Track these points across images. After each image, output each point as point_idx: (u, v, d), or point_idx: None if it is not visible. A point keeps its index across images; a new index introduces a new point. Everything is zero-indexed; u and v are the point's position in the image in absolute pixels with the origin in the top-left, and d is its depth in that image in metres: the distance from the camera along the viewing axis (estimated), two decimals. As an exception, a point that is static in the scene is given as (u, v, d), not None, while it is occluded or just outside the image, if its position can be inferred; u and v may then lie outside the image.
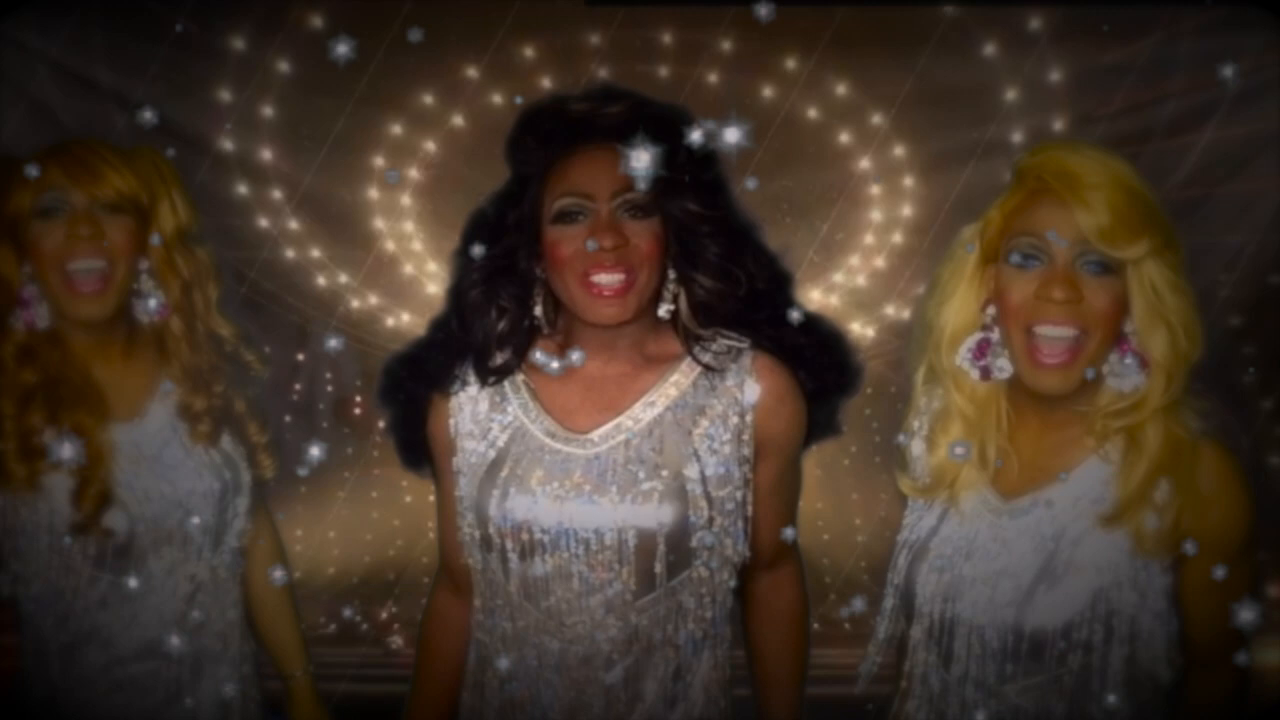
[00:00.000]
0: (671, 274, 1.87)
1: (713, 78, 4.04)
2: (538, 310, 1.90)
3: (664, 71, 4.05)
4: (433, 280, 4.34)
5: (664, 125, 1.77)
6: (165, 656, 2.05)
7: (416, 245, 4.35)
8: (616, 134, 1.78)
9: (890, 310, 4.34)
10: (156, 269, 2.02)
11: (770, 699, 2.04)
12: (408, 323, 4.38)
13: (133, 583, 1.99)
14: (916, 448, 1.84)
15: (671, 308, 1.89)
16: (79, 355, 2.00)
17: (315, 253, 4.21)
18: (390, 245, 4.27)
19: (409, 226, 4.29)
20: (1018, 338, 1.67)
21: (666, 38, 4.05)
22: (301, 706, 2.24)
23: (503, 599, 1.90)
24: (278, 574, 2.16)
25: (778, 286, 1.93)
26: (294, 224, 4.10)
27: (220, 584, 2.11)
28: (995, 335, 1.73)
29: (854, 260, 4.39)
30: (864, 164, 4.13)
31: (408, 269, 4.39)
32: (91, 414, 1.98)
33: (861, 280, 4.41)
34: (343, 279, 4.26)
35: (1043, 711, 1.68)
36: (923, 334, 1.79)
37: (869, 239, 4.37)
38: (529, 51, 4.01)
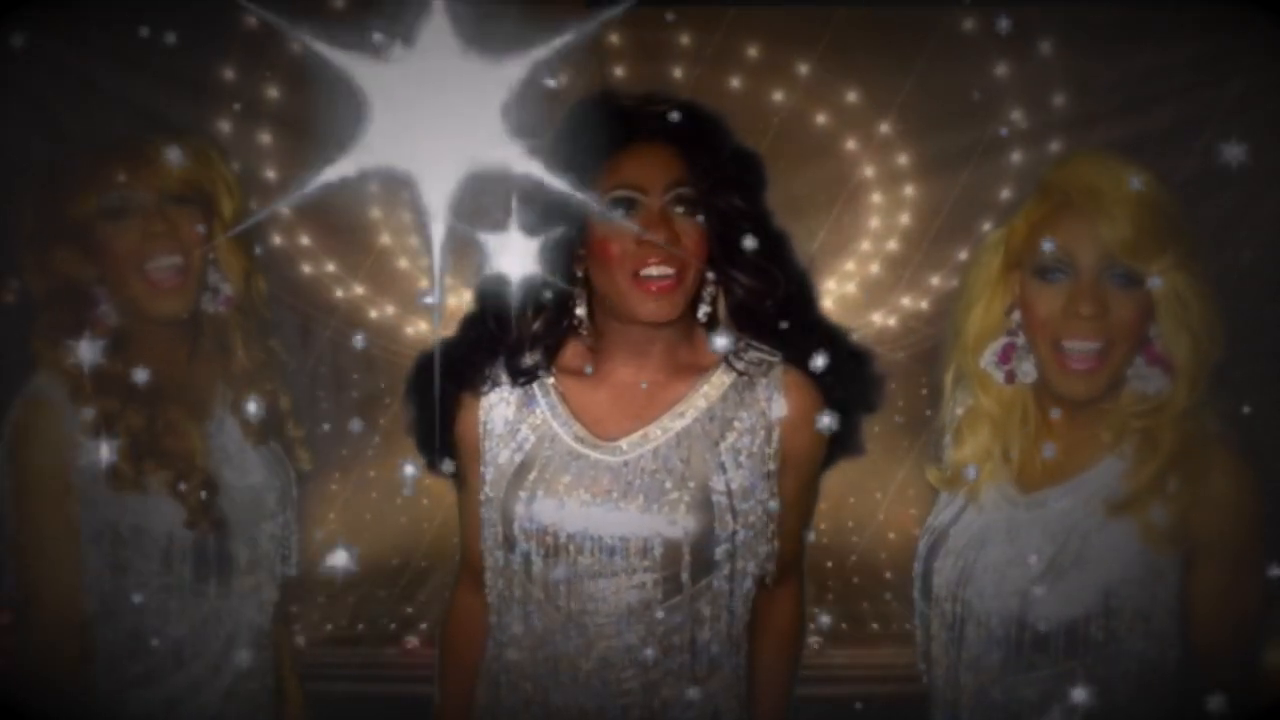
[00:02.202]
0: (710, 276, 1.87)
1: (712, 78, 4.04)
2: (580, 310, 1.90)
3: (663, 73, 4.03)
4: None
5: (711, 122, 1.78)
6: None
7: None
8: (665, 130, 1.80)
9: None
10: (222, 257, 1.99)
11: (759, 710, 2.05)
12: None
13: (212, 587, 1.98)
14: (945, 443, 1.87)
15: (709, 310, 1.89)
16: (151, 357, 1.94)
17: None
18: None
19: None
20: (1045, 350, 1.71)
21: (663, 39, 4.04)
22: (290, 708, 2.22)
23: (521, 599, 1.91)
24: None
25: (807, 296, 1.95)
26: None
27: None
28: (1020, 340, 1.76)
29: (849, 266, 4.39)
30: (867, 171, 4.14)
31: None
32: (184, 410, 1.96)
33: (852, 286, 4.41)
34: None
35: (1048, 705, 1.70)
36: (951, 336, 1.82)
37: (865, 245, 4.37)
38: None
